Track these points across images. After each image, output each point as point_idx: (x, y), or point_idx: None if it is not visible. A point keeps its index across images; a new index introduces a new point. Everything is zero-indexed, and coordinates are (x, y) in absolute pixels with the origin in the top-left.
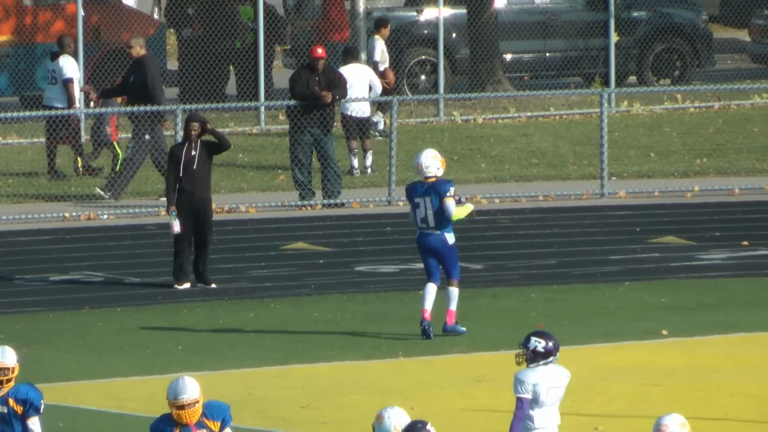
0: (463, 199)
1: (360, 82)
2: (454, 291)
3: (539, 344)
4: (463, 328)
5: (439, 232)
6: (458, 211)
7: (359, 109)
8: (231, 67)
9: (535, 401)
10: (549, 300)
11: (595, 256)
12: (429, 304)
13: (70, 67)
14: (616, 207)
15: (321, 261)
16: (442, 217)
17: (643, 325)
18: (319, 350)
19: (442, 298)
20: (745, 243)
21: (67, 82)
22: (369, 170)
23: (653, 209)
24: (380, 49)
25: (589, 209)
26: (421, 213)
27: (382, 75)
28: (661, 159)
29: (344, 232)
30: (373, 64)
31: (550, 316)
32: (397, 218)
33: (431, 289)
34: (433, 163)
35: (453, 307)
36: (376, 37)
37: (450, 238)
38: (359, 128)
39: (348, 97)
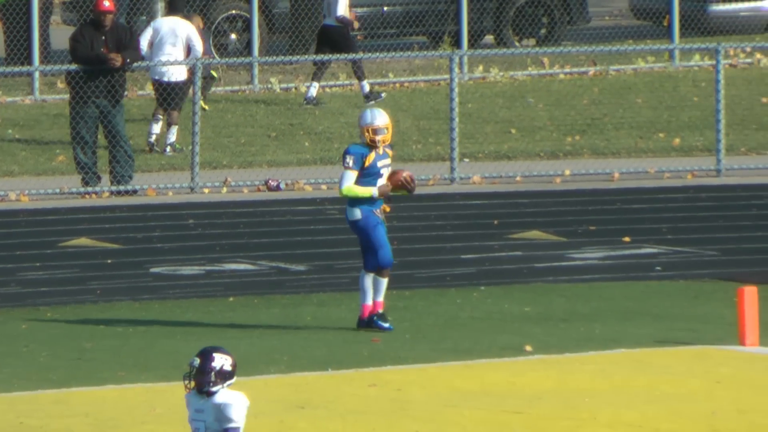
0: (282, 186)
1: (172, 39)
2: (363, 280)
3: (227, 362)
4: (386, 324)
5: (348, 206)
6: (358, 188)
7: (170, 72)
8: None
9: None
10: (388, 308)
11: (444, 254)
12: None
13: None
14: (470, 195)
15: (108, 261)
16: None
17: (502, 339)
18: (106, 370)
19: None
20: (627, 239)
21: None
22: (168, 149)
23: (514, 198)
24: (344, 4)
25: (437, 197)
26: None
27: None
28: (524, 136)
29: (137, 225)
30: (337, 20)
31: None
32: (201, 208)
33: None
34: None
35: (363, 300)
36: None
37: (352, 213)
38: (168, 95)
39: (159, 58)
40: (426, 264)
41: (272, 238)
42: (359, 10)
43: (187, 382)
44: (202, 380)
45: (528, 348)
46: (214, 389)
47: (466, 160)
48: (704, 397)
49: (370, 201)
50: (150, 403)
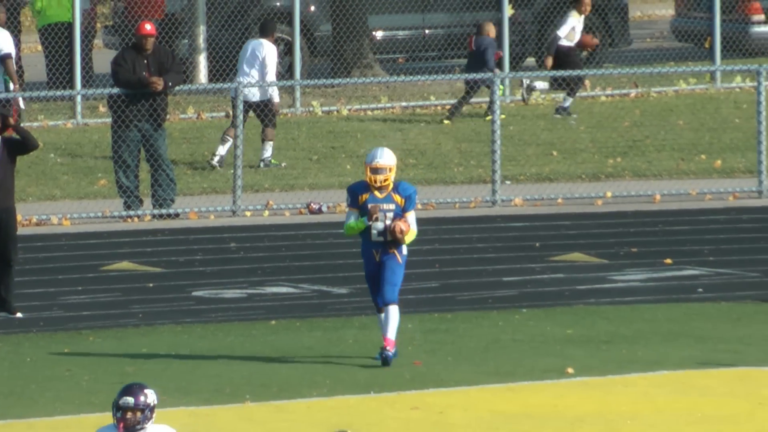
0: (324, 209)
1: (252, 59)
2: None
3: (154, 396)
4: (377, 355)
5: None
6: (352, 224)
7: (251, 92)
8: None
9: None
10: (429, 331)
11: (486, 277)
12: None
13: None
14: (511, 217)
15: (150, 284)
16: None
17: (544, 362)
18: None
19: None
20: (668, 261)
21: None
22: (262, 165)
23: (556, 220)
24: (570, 26)
25: (478, 220)
26: None
27: (579, 45)
28: (565, 158)
29: (179, 248)
30: (554, 38)
31: (431, 350)
32: (243, 232)
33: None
34: None
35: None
36: (573, 13)
37: None
38: (257, 115)
39: (239, 78)
40: (468, 286)
41: (314, 261)
42: (401, 33)
43: (120, 425)
44: (138, 418)
45: (570, 370)
46: (146, 424)
47: (508, 182)
48: (746, 419)
49: (368, 239)
50: (193, 427)
